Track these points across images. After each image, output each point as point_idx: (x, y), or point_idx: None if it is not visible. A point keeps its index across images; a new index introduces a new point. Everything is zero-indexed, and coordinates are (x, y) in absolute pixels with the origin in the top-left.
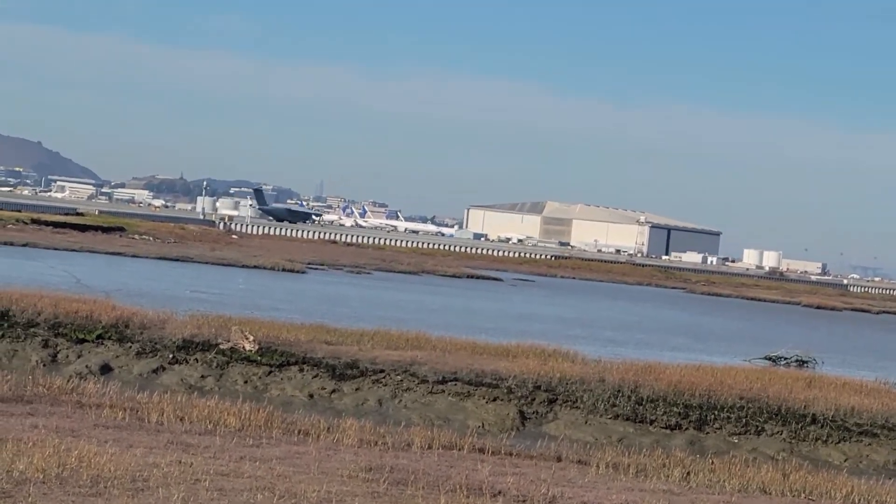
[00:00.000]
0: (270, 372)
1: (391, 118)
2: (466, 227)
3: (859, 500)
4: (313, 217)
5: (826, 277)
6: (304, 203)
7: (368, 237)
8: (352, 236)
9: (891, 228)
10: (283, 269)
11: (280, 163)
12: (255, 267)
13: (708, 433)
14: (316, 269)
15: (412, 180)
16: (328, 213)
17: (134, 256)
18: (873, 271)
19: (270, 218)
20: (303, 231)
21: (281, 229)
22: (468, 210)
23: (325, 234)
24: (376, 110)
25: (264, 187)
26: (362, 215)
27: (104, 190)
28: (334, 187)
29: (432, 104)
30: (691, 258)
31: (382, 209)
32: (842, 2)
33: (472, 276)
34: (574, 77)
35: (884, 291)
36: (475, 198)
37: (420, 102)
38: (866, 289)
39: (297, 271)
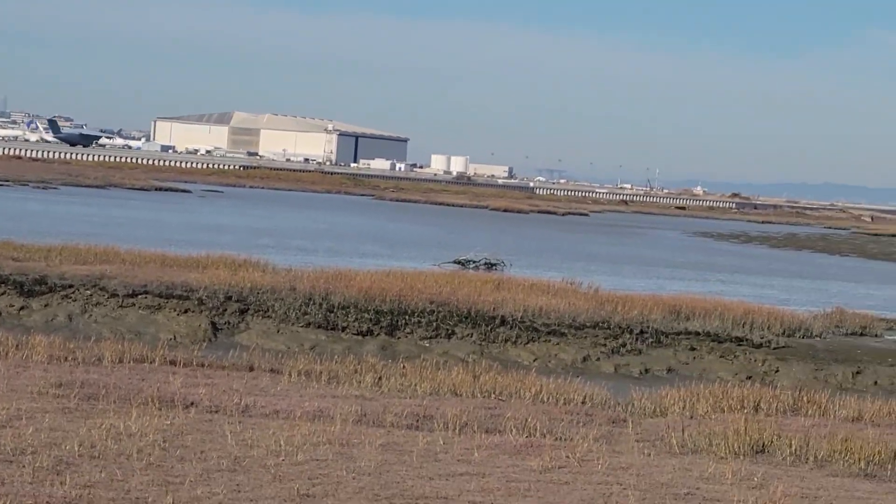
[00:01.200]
0: None
1: (74, 30)
2: (154, 139)
3: (548, 397)
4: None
5: (513, 181)
6: None
7: (54, 152)
8: (38, 151)
9: (574, 131)
10: None
11: None
12: None
13: (399, 338)
14: (1, 185)
15: (98, 93)
16: (12, 128)
17: None
18: (558, 173)
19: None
20: None
21: None
22: (155, 122)
23: (9, 149)
24: (59, 22)
25: None
26: (47, 130)
27: None
28: (18, 102)
29: (115, 15)
30: (380, 165)
31: (68, 123)
32: None
33: (160, 189)
34: None
35: (568, 193)
36: (162, 110)
37: (102, 13)
38: (552, 191)
39: None
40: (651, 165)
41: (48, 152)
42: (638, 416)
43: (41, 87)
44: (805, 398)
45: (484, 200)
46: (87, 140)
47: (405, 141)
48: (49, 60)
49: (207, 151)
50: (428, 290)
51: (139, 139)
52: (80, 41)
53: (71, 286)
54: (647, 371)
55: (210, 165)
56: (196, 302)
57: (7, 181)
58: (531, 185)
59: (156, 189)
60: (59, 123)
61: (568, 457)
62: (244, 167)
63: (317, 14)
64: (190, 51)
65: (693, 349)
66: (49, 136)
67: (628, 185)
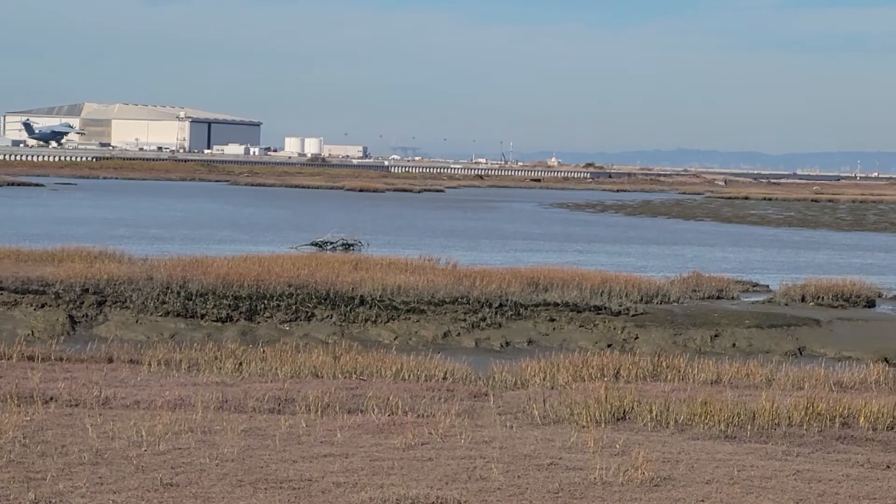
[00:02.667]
0: None
1: None
2: (4, 133)
3: (409, 375)
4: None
5: (368, 160)
6: None
7: None
8: None
9: (427, 108)
10: None
11: None
12: None
13: (259, 323)
14: None
15: None
16: None
17: None
18: (413, 151)
19: None
20: None
21: None
22: (4, 117)
23: None
24: None
25: None
26: None
27: None
28: None
29: None
30: (233, 150)
31: None
32: None
33: (12, 184)
34: None
35: (424, 170)
36: (11, 104)
37: None
38: (407, 169)
39: None
40: (505, 139)
41: None
42: (499, 389)
43: None
44: (664, 363)
45: (339, 181)
46: (57, 136)
47: (258, 125)
48: None
49: (59, 144)
50: (286, 274)
51: None
52: None
53: None
54: (507, 344)
55: (62, 158)
56: (53, 296)
57: None
58: (386, 163)
59: (8, 184)
60: None
61: (430, 433)
62: (97, 158)
63: (151, 1)
64: (38, 42)
65: (552, 320)
66: None
67: (483, 160)
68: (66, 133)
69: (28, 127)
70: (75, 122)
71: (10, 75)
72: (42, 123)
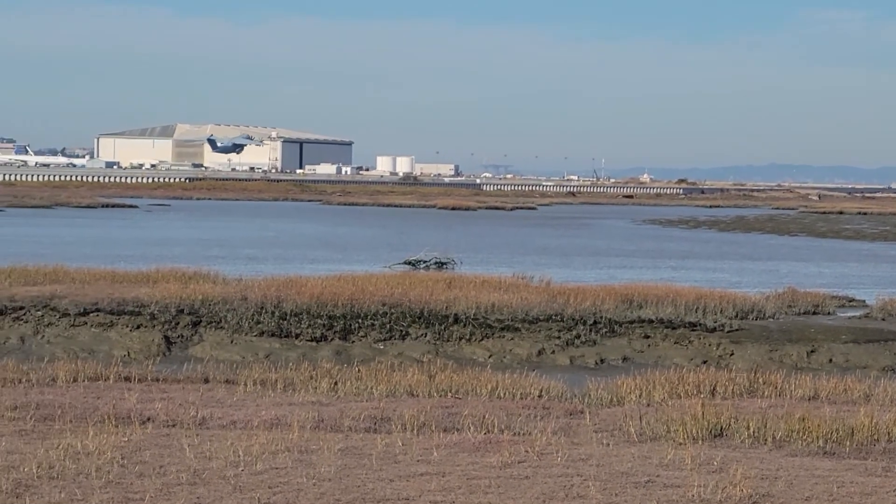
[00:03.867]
0: None
1: (12, 51)
2: (98, 156)
3: (504, 393)
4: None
5: (459, 178)
6: None
7: None
8: None
9: (518, 126)
10: None
11: None
12: None
13: (354, 342)
14: None
15: (39, 113)
16: None
17: None
18: (504, 168)
19: None
20: None
21: None
22: (98, 139)
23: None
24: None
25: None
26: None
27: None
28: None
29: (55, 34)
30: (325, 170)
31: (10, 145)
32: None
33: (106, 206)
34: None
35: (515, 188)
36: (105, 126)
37: (41, 33)
38: (499, 186)
39: None
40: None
41: None
42: (595, 406)
43: None
44: (761, 380)
45: (431, 200)
46: (238, 148)
47: (350, 144)
48: None
49: (152, 165)
50: (380, 293)
51: (83, 157)
52: (17, 61)
53: (21, 308)
54: (602, 361)
55: (155, 179)
56: (148, 317)
57: None
58: (478, 181)
59: (102, 206)
60: None
61: (527, 451)
62: (190, 179)
63: (254, 22)
64: (130, 66)
65: (647, 337)
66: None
67: (575, 177)
68: (245, 145)
69: (212, 143)
70: (168, 143)
71: (103, 98)
72: (226, 140)
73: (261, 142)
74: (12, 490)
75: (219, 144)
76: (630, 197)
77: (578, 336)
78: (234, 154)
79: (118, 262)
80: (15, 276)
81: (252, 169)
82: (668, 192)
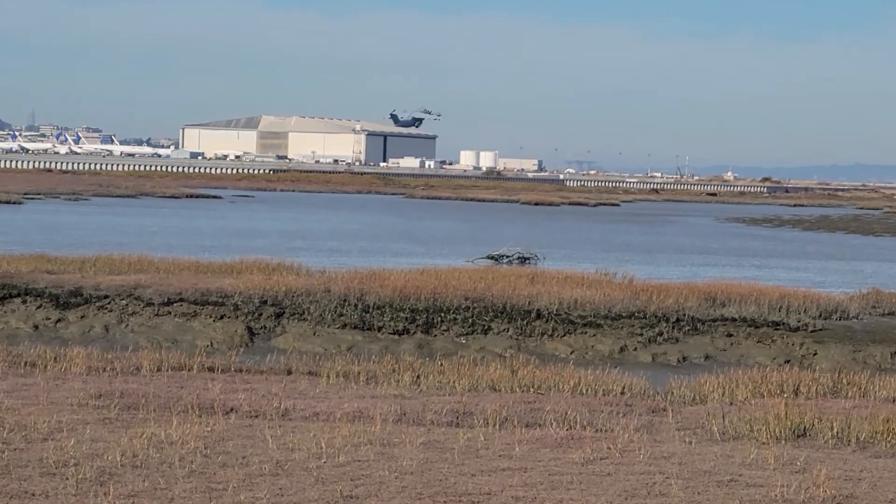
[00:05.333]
0: None
1: (100, 41)
2: (182, 146)
3: (586, 389)
4: None
5: (543, 174)
6: (17, 134)
7: (84, 163)
8: (67, 163)
9: (602, 121)
10: None
11: None
12: None
13: (436, 336)
14: (33, 199)
15: (125, 103)
16: (42, 141)
17: None
18: (588, 164)
19: None
20: (16, 161)
21: None
22: (183, 129)
23: (39, 162)
24: (84, 34)
25: None
26: (76, 142)
27: None
28: (47, 115)
29: (141, 24)
30: (409, 163)
31: (97, 134)
32: None
33: (191, 196)
34: None
35: (599, 184)
36: (190, 117)
37: (128, 23)
38: (582, 182)
39: (13, 202)
40: (680, 153)
41: (78, 164)
42: (677, 404)
43: (68, 99)
44: (844, 380)
45: (515, 195)
46: (417, 122)
47: (433, 138)
48: (75, 72)
49: (237, 157)
50: (462, 287)
51: (168, 147)
52: (105, 52)
53: (106, 297)
54: (684, 359)
55: (240, 170)
56: (231, 308)
57: (39, 194)
58: (561, 177)
59: (187, 196)
60: (86, 135)
61: (609, 448)
62: (274, 171)
63: (339, 15)
64: (215, 57)
65: (730, 335)
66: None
67: (658, 174)
68: (423, 119)
69: (394, 117)
70: (252, 135)
71: (188, 89)
72: (406, 113)
73: (438, 116)
74: (96, 478)
75: (400, 118)
76: (714, 195)
77: (661, 333)
78: (412, 126)
79: (202, 252)
80: (100, 264)
81: (336, 161)
82: (751, 190)
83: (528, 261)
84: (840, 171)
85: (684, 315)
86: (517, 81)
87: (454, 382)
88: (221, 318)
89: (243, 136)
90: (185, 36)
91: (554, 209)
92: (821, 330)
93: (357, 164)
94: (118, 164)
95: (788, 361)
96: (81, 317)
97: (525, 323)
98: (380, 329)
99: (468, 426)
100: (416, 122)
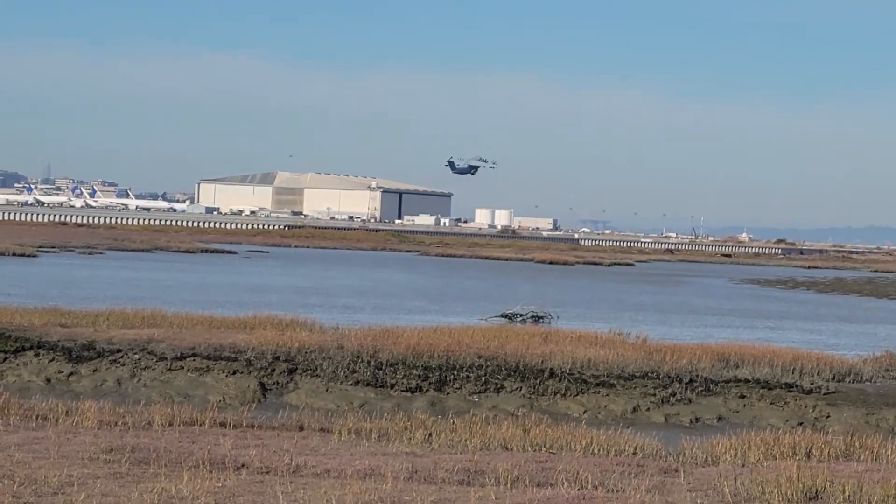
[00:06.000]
0: (5, 359)
1: (115, 95)
2: (198, 201)
3: (598, 449)
4: None
5: (557, 233)
6: (32, 187)
7: (99, 217)
8: (82, 217)
9: (617, 181)
10: (14, 254)
11: (4, 146)
12: None
13: (448, 393)
14: (47, 252)
15: (141, 157)
16: (57, 194)
17: None
18: (603, 224)
19: None
20: (31, 214)
21: (7, 213)
22: (199, 184)
23: (54, 216)
24: (101, 88)
25: None
26: (92, 195)
27: None
28: (62, 168)
29: (157, 79)
30: (424, 221)
31: (112, 188)
32: None
33: (205, 251)
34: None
35: (614, 243)
36: (205, 172)
37: (144, 78)
38: (597, 241)
39: (28, 255)
40: (695, 213)
41: (93, 218)
42: (689, 465)
43: (84, 153)
44: (857, 443)
45: (529, 253)
46: (472, 170)
47: (449, 196)
48: (91, 126)
49: (252, 212)
50: (476, 345)
51: (183, 202)
52: (121, 106)
53: (119, 351)
54: (697, 420)
55: (255, 226)
56: (244, 363)
57: (53, 247)
58: (576, 236)
59: (201, 251)
60: (101, 189)
61: None
62: (289, 227)
63: (355, 71)
64: (232, 112)
65: (743, 397)
66: (93, 202)
67: (673, 234)
68: (478, 167)
69: (451, 164)
70: (268, 190)
71: (204, 144)
72: (462, 161)
73: (494, 164)
74: None
75: (457, 165)
76: (728, 255)
77: (674, 394)
78: (468, 174)
79: (216, 307)
80: (113, 318)
81: (351, 218)
82: (766, 251)
83: (541, 319)
84: (854, 232)
85: (697, 376)
86: (533, 140)
87: (466, 441)
88: (234, 373)
89: (259, 191)
90: (202, 91)
91: (568, 268)
92: (834, 392)
93: (372, 220)
94: (133, 219)
95: (801, 424)
96: (94, 370)
97: (538, 382)
98: (392, 386)
99: (479, 485)
100: (473, 169)
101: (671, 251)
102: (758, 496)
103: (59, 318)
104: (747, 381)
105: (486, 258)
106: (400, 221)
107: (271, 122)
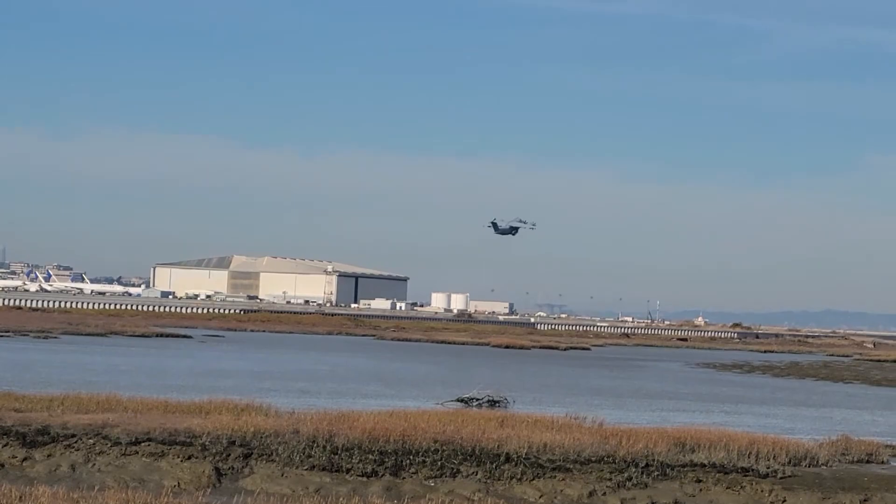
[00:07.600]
0: None
1: (71, 179)
2: (153, 285)
3: None
4: None
5: (514, 317)
6: None
7: (54, 301)
8: (37, 301)
9: (573, 265)
10: None
11: None
12: None
13: (404, 478)
14: (2, 336)
15: (96, 241)
16: (12, 279)
17: None
18: (559, 308)
19: None
20: None
21: None
22: (154, 268)
23: (9, 300)
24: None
25: None
26: (47, 279)
27: None
28: (17, 252)
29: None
30: (380, 305)
31: (67, 272)
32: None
33: (161, 335)
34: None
35: (570, 327)
36: (161, 255)
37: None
38: (553, 325)
39: None
40: (651, 297)
41: (48, 302)
42: None
43: (39, 237)
44: None
45: (485, 337)
46: (513, 231)
47: (405, 280)
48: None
49: (207, 296)
50: (432, 430)
51: (139, 286)
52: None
53: (73, 436)
54: None
55: (210, 310)
56: (199, 448)
57: (8, 332)
58: (532, 320)
59: (157, 335)
60: (56, 273)
61: None
62: (244, 311)
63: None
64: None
65: (699, 481)
66: (48, 286)
67: (629, 318)
68: (519, 228)
69: (494, 225)
70: (224, 274)
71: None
72: (504, 222)
73: (533, 225)
74: None
75: (500, 226)
76: (684, 339)
77: (630, 478)
78: (509, 235)
79: (171, 391)
80: (68, 403)
81: (307, 302)
82: (722, 335)
83: (497, 404)
84: (810, 316)
85: (653, 460)
86: (488, 223)
87: None
88: (189, 458)
89: (214, 275)
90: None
91: (524, 352)
92: (790, 477)
93: (328, 304)
94: (88, 303)
95: None
96: (48, 455)
97: (494, 466)
98: (348, 471)
99: None
100: (514, 230)
101: (627, 335)
102: None
103: (13, 402)
104: (703, 465)
105: (442, 342)
106: (356, 305)
107: (227, 206)
